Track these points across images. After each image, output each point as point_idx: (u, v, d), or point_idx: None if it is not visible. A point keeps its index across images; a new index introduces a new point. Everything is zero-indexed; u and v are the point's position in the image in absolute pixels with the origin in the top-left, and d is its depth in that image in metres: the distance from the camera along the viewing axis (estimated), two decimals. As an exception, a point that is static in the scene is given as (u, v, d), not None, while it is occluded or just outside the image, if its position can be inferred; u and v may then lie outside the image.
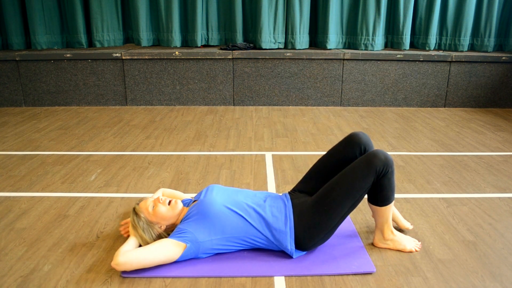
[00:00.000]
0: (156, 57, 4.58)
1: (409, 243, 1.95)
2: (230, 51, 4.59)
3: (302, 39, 4.81)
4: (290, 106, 4.76)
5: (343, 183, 1.79)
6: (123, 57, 4.55)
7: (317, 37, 4.96)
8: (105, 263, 1.83)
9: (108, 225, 2.16)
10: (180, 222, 1.86)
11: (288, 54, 4.62)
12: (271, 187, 2.63)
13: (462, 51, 4.84)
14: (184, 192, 2.53)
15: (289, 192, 2.06)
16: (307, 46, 4.91)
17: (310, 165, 2.97)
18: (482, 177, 2.81)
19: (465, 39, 4.81)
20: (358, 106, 4.77)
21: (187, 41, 4.89)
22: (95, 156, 3.15)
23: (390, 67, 4.67)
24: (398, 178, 2.76)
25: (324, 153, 3.28)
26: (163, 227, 1.89)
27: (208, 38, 4.92)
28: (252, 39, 4.89)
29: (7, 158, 3.10)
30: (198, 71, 4.65)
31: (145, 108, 4.65)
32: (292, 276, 1.75)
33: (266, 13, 4.67)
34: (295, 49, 4.80)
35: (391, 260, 1.87)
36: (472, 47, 4.94)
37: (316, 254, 1.89)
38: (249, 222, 1.82)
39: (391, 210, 1.91)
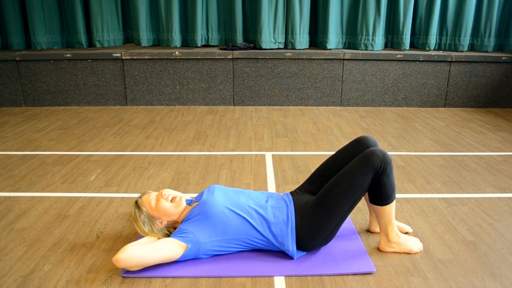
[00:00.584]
0: (156, 57, 4.58)
1: (415, 244, 1.94)
2: (230, 51, 4.59)
3: (302, 39, 4.81)
4: (290, 106, 4.76)
5: (342, 182, 1.80)
6: (123, 57, 4.55)
7: (317, 37, 4.96)
8: (105, 263, 1.83)
9: (108, 225, 2.16)
10: (182, 222, 1.86)
11: (288, 54, 4.62)
12: (271, 187, 2.63)
13: (462, 51, 4.84)
14: (184, 192, 2.53)
15: (291, 192, 2.06)
16: (307, 46, 4.91)
17: (310, 165, 2.98)
18: (482, 177, 2.81)
19: (465, 39, 4.81)
20: (358, 106, 4.77)
21: (187, 41, 4.89)
22: (95, 156, 3.15)
23: (390, 67, 4.67)
24: (398, 178, 2.76)
25: (324, 153, 3.31)
26: (164, 223, 1.88)
27: (208, 38, 4.92)
28: (252, 39, 4.89)
29: (7, 158, 3.10)
30: (198, 71, 4.65)
31: (145, 108, 4.65)
32: (292, 276, 1.75)
33: (266, 13, 4.67)
34: (295, 49, 4.80)
35: (391, 260, 1.87)
36: (472, 47, 4.94)
37: (316, 254, 1.89)
38: (251, 224, 1.82)
39: (394, 210, 1.90)
